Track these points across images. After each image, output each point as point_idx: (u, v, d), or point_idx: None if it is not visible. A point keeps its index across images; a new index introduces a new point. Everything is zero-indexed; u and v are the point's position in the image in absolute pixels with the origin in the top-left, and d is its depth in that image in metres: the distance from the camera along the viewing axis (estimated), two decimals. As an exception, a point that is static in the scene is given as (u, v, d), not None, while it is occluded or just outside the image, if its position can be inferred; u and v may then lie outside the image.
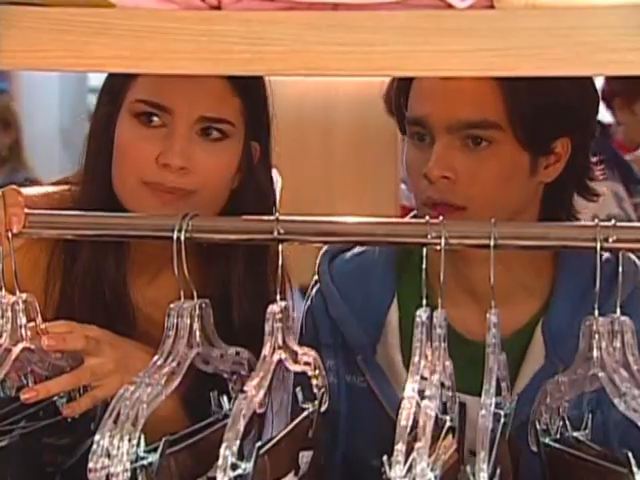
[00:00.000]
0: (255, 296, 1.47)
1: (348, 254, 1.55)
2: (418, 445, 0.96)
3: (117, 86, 1.46)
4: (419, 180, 1.41)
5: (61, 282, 1.46)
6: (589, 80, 1.45)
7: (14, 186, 1.27)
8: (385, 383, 1.47)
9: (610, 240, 1.08)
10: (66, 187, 1.51)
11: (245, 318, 1.45)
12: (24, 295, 1.21)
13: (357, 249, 1.55)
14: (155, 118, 1.42)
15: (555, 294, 1.44)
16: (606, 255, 1.13)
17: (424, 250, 1.13)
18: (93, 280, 1.46)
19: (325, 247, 1.55)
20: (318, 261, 1.56)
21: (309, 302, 1.56)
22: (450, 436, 1.07)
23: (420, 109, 1.41)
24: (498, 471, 1.00)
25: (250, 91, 1.47)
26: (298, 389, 1.22)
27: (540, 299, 1.45)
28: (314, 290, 1.56)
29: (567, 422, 1.15)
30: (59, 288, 1.45)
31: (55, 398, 1.27)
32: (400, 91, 1.47)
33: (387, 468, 0.96)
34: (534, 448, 1.15)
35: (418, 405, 1.02)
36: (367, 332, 1.49)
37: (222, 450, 0.98)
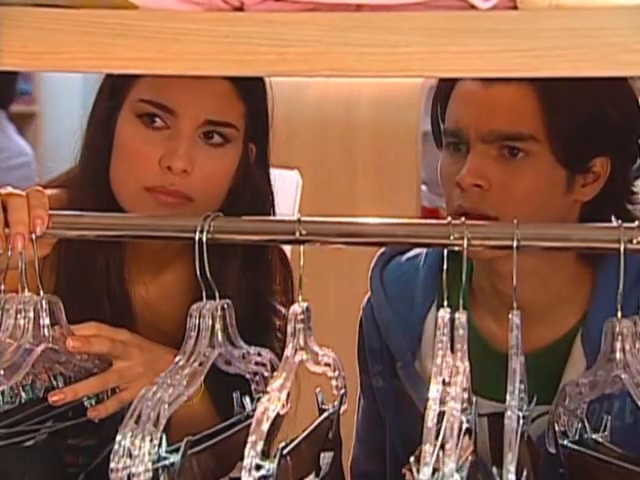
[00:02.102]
0: (253, 297, 1.46)
1: (403, 258, 1.56)
2: (447, 447, 0.96)
3: (118, 85, 1.43)
4: (452, 189, 1.40)
5: (56, 281, 1.43)
6: (633, 99, 1.43)
7: (39, 187, 1.26)
8: (422, 390, 1.44)
9: (634, 241, 1.07)
10: (57, 191, 1.47)
11: (242, 318, 1.42)
12: (47, 295, 1.21)
13: (412, 252, 1.55)
14: (158, 120, 1.40)
15: (594, 304, 1.42)
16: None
17: (445, 251, 1.13)
18: (89, 279, 1.44)
19: (381, 249, 1.55)
20: (372, 265, 1.56)
21: (362, 308, 1.57)
22: (467, 437, 1.07)
23: (457, 118, 1.41)
24: (525, 472, 1.00)
25: (254, 94, 1.46)
26: (318, 390, 1.22)
27: (579, 310, 1.44)
28: (367, 296, 1.57)
29: (586, 424, 1.15)
30: (53, 288, 1.41)
31: (84, 399, 1.27)
32: (437, 103, 1.47)
33: (414, 469, 0.95)
34: (552, 450, 1.15)
35: (443, 405, 1.02)
36: (407, 340, 1.49)
37: (247, 450, 0.99)
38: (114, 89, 1.45)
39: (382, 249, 1.55)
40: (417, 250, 1.55)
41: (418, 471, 0.95)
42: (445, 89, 1.44)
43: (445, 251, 1.13)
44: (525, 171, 1.37)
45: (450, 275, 1.48)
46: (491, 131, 1.36)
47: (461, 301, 1.12)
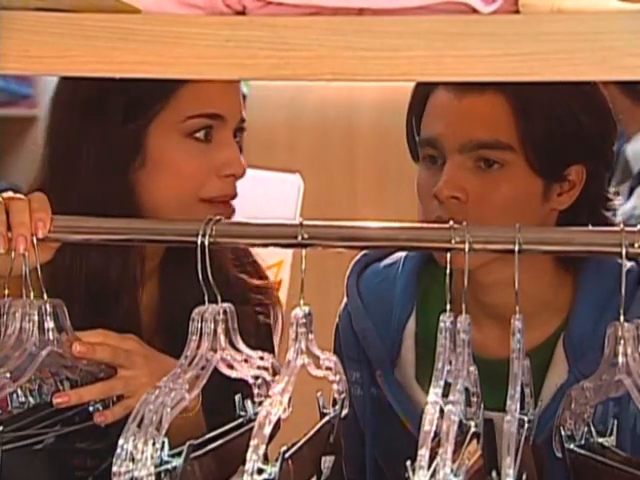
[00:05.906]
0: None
1: (380, 265, 1.55)
2: (441, 450, 0.96)
3: (137, 108, 1.39)
4: (429, 202, 1.42)
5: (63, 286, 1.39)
6: (606, 107, 1.43)
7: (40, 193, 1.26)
8: (403, 398, 1.47)
9: (636, 245, 1.07)
10: None
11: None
12: (51, 299, 1.21)
13: (388, 260, 1.55)
14: (210, 131, 1.39)
15: (575, 309, 1.44)
16: (629, 265, 1.12)
17: (448, 255, 1.13)
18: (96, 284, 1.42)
19: (357, 257, 1.56)
20: (348, 272, 1.56)
21: (339, 315, 1.57)
22: (475, 442, 1.07)
23: (432, 129, 1.41)
24: (524, 477, 1.00)
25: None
26: (319, 393, 1.22)
27: (561, 314, 1.45)
28: (344, 302, 1.56)
29: (592, 428, 1.15)
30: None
31: (90, 404, 1.27)
32: (412, 114, 1.47)
33: (410, 473, 0.95)
34: (559, 454, 1.15)
35: (441, 410, 1.02)
36: (386, 348, 1.49)
37: (249, 454, 0.99)
38: (131, 112, 1.39)
39: (358, 256, 1.56)
40: (395, 257, 1.55)
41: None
42: (419, 101, 1.45)
43: (448, 255, 1.12)
44: (501, 182, 1.38)
45: (429, 282, 1.49)
46: (467, 141, 1.37)
47: (464, 305, 1.12)
